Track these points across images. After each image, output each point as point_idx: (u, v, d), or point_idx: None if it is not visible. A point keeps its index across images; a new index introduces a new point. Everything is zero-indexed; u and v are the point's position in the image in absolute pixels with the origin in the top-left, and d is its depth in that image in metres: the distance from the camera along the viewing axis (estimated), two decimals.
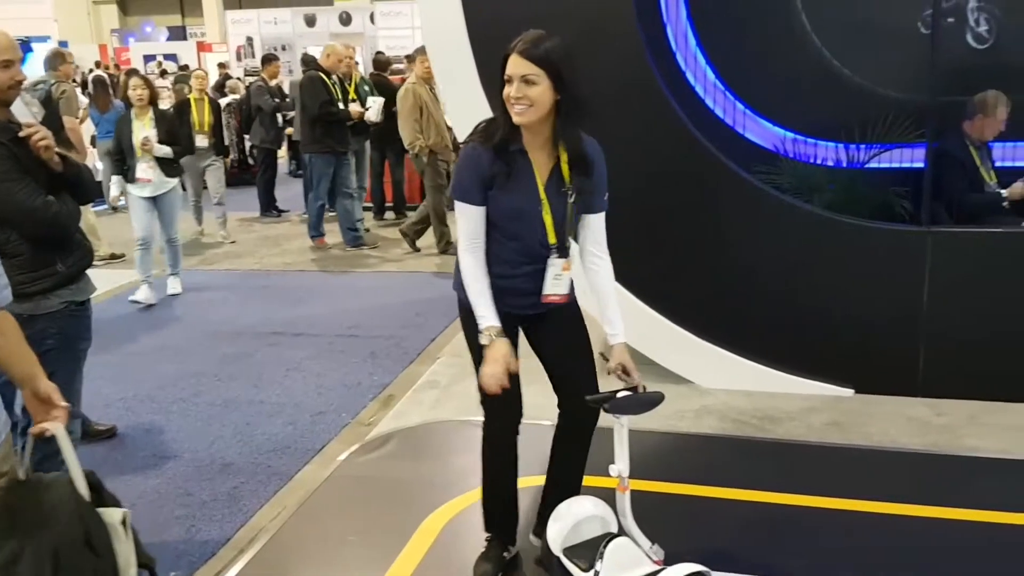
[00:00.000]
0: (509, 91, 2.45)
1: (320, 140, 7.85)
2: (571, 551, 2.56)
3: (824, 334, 4.21)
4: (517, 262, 2.65)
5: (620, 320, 2.69)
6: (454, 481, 3.57)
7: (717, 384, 4.33)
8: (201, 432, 4.21)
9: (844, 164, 4.69)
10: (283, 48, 18.30)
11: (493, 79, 4.31)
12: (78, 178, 2.96)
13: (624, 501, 2.63)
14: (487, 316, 2.57)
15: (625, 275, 4.22)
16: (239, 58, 19.02)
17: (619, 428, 2.60)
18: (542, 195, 2.59)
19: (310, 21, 18.75)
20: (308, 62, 8.10)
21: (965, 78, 4.64)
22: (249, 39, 19.17)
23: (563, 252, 2.65)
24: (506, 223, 2.61)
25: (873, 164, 4.66)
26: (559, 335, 2.77)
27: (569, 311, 2.76)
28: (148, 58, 19.65)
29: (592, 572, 2.45)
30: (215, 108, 8.58)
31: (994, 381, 4.10)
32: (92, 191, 3.14)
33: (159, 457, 3.96)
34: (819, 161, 4.75)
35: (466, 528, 3.18)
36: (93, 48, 23.00)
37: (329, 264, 7.76)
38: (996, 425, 3.91)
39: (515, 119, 2.48)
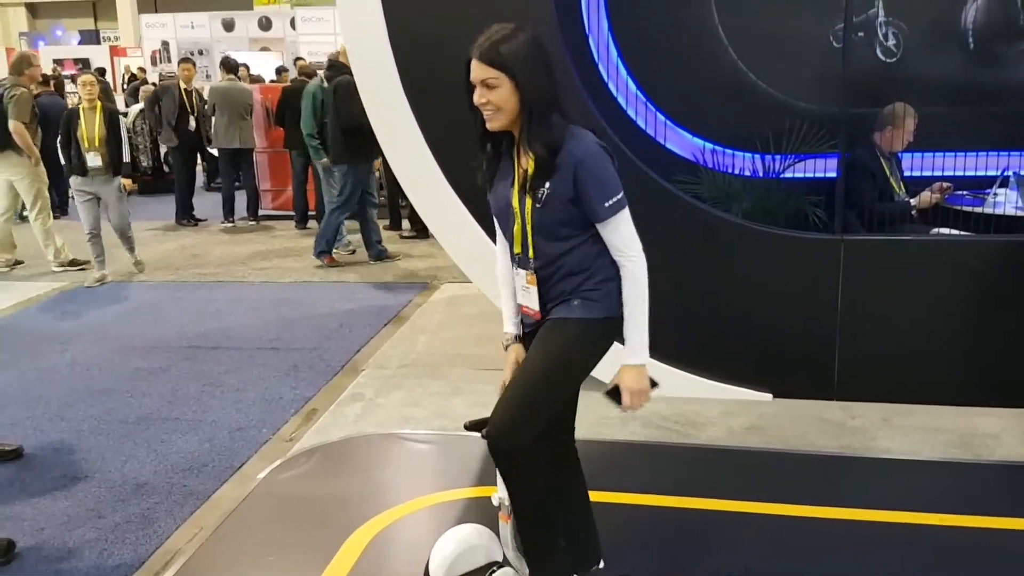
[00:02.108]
0: (476, 97, 2.37)
1: (355, 149, 7.37)
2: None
3: (743, 340, 4.30)
4: (507, 267, 2.62)
5: (633, 334, 2.42)
6: (379, 496, 3.52)
7: None
8: (113, 451, 4.05)
9: (760, 174, 4.80)
10: (200, 52, 17.91)
11: (414, 82, 4.32)
12: None
13: (507, 530, 2.56)
14: (505, 322, 2.63)
15: None
16: (154, 63, 18.54)
17: None
18: (513, 200, 2.47)
19: (228, 25, 18.39)
20: (335, 65, 7.78)
21: (875, 90, 4.81)
22: (165, 43, 18.70)
23: (526, 263, 2.47)
24: (499, 226, 2.59)
25: (788, 174, 4.78)
26: (528, 356, 2.54)
27: (550, 331, 2.47)
28: (58, 62, 18.97)
29: None
30: (109, 119, 7.05)
31: (905, 384, 4.24)
32: None
33: (69, 478, 3.79)
34: (736, 171, 4.85)
35: (392, 545, 3.15)
36: (0, 51, 22.13)
37: (248, 275, 7.60)
38: (907, 427, 4.04)
39: (488, 125, 2.39)
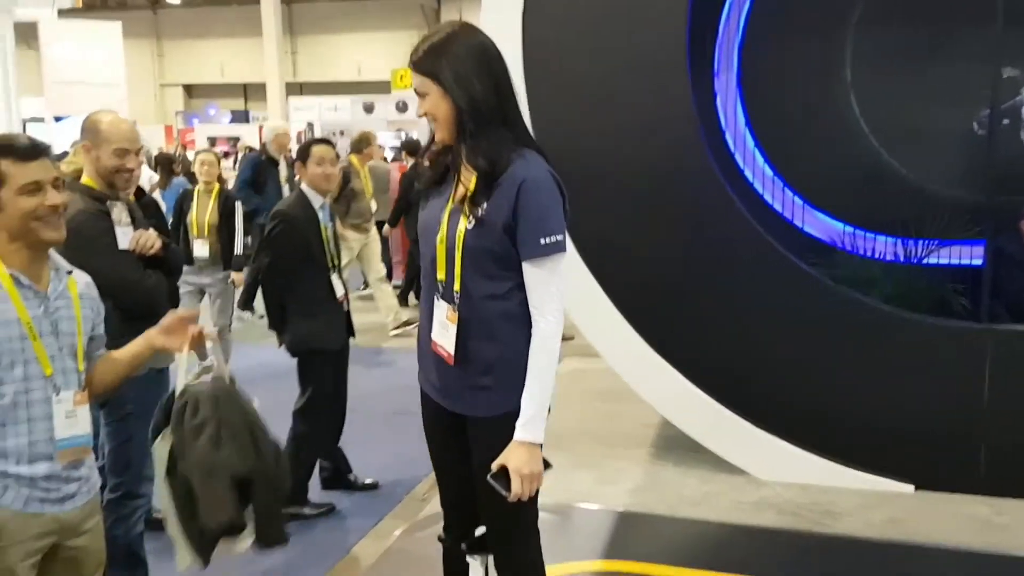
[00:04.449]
0: (418, 109, 2.21)
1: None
2: None
3: (884, 428, 4.18)
4: (425, 299, 2.30)
5: (531, 406, 2.12)
6: None
7: (774, 476, 4.30)
8: None
9: (901, 259, 4.73)
10: (341, 133, 18.92)
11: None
12: (169, 257, 3.14)
13: None
14: None
15: (687, 363, 4.32)
16: (299, 141, 19.72)
17: (474, 568, 2.33)
18: (444, 217, 2.20)
19: (368, 108, 19.40)
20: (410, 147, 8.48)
21: (1021, 178, 4.70)
22: (310, 124, 19.87)
23: (449, 295, 2.18)
24: (422, 245, 2.30)
25: (930, 260, 4.70)
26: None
27: (487, 449, 2.15)
28: (211, 140, 20.40)
29: None
30: (224, 204, 6.02)
31: None
32: (180, 268, 3.32)
33: None
34: (875, 255, 4.80)
35: None
36: (160, 129, 23.99)
37: (383, 341, 7.87)
38: None
39: (436, 136, 2.22)
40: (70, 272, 2.18)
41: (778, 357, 4.29)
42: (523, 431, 2.10)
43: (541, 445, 2.13)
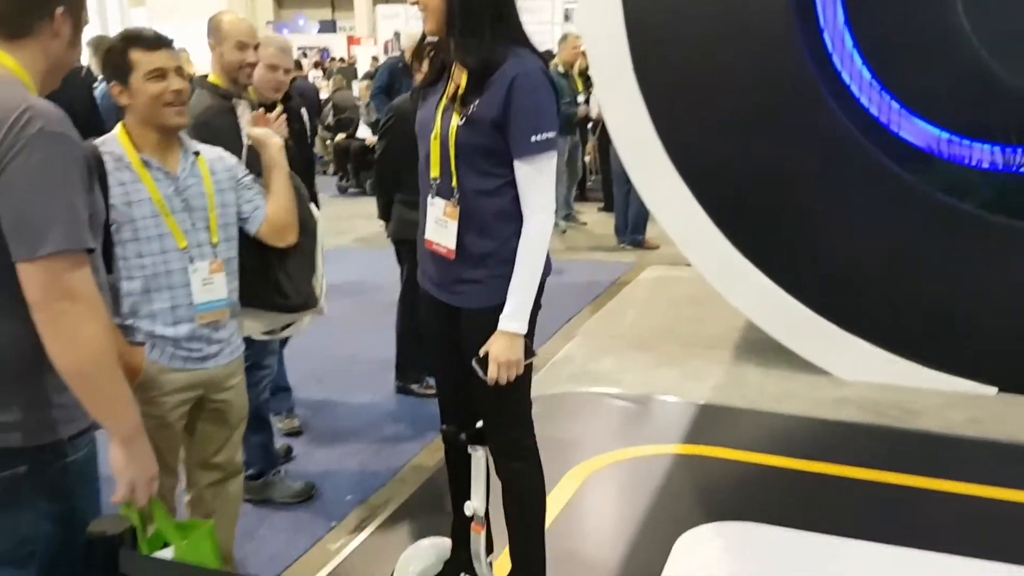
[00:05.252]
0: None
1: None
2: None
3: (969, 332, 4.21)
4: (422, 198, 2.31)
5: (515, 297, 2.16)
6: (591, 443, 3.81)
7: (856, 376, 4.38)
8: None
9: (999, 167, 4.64)
10: None
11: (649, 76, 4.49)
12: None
13: (479, 541, 2.39)
14: None
15: (774, 265, 4.38)
16: (386, 51, 19.73)
17: (476, 459, 2.38)
18: (438, 115, 2.20)
19: None
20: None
21: None
22: (397, 33, 19.86)
23: (447, 191, 2.19)
24: (419, 145, 2.29)
25: None
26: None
27: (477, 336, 2.20)
28: (302, 51, 20.58)
29: None
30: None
31: None
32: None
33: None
34: (973, 163, 4.71)
35: (604, 482, 3.45)
36: None
37: None
38: None
39: (424, 27, 2.19)
40: (198, 153, 2.35)
41: (866, 261, 4.31)
42: (505, 321, 2.15)
43: (525, 336, 2.18)
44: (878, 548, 2.90)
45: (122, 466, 1.65)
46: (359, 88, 12.03)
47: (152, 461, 1.69)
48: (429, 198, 2.25)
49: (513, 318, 2.15)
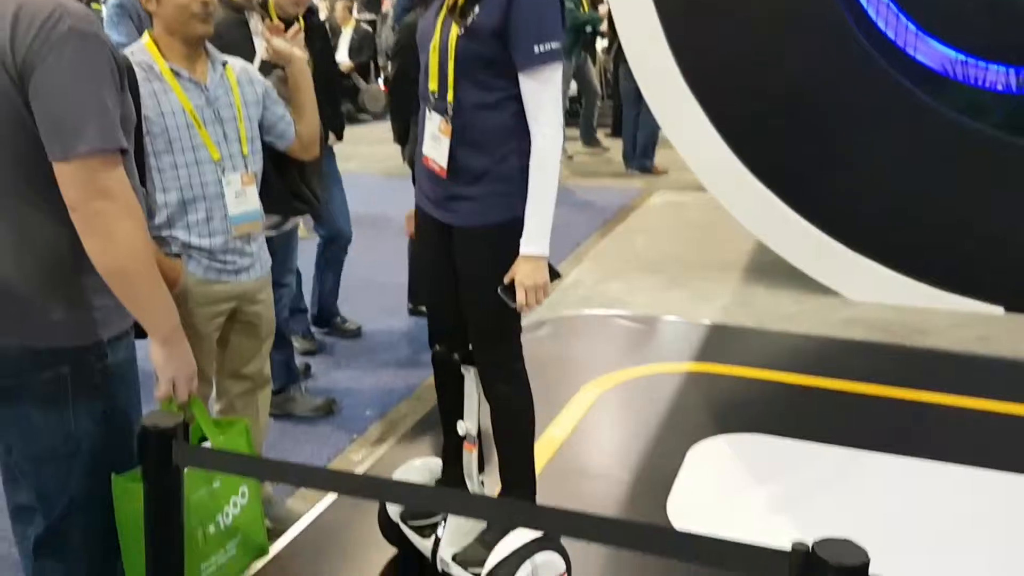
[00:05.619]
0: None
1: None
2: (411, 517, 2.43)
3: (978, 253, 4.25)
4: (420, 111, 2.23)
5: (533, 220, 2.09)
6: (602, 362, 3.87)
7: (866, 297, 4.44)
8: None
9: (1013, 89, 4.61)
10: None
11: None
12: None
13: (471, 460, 2.38)
14: None
15: (783, 184, 4.39)
16: None
17: (468, 379, 2.33)
18: (437, 25, 2.11)
19: None
20: None
21: None
22: None
23: (442, 106, 2.12)
24: (420, 54, 2.20)
25: None
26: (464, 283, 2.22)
27: (469, 256, 2.18)
28: None
29: (432, 539, 2.30)
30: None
31: None
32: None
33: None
34: (987, 84, 4.69)
35: (615, 399, 3.52)
36: None
37: None
38: None
39: None
40: (225, 63, 2.36)
41: (878, 182, 4.33)
42: (527, 245, 2.08)
43: (547, 258, 2.12)
44: (885, 457, 2.99)
45: (163, 364, 1.69)
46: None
47: (191, 359, 1.73)
48: (427, 111, 2.18)
49: (533, 242, 2.08)
